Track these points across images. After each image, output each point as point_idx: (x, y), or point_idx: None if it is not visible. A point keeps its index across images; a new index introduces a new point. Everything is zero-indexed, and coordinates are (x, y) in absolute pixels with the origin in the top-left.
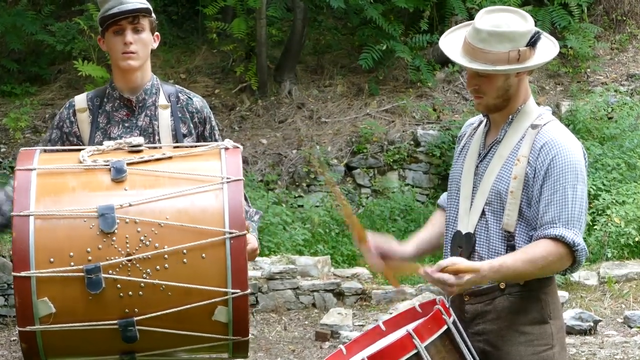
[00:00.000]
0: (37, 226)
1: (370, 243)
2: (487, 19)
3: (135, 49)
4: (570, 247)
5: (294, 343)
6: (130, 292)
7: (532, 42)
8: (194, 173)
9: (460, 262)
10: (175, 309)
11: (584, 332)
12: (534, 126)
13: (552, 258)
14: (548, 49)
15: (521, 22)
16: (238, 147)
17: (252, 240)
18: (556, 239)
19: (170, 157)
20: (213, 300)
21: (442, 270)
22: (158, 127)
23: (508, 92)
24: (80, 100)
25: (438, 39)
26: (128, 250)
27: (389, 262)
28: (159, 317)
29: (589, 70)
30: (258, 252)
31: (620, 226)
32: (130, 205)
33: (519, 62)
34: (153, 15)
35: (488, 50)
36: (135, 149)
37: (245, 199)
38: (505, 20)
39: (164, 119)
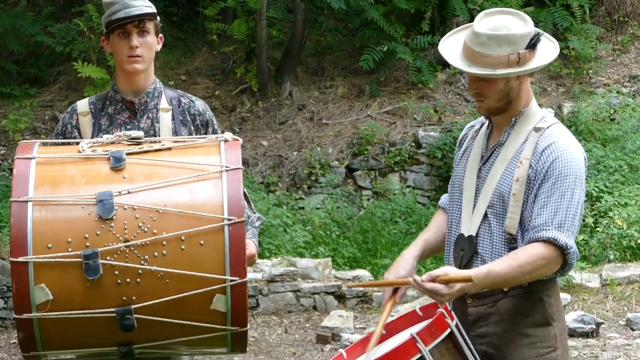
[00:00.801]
0: (35, 212)
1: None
2: (486, 22)
3: (141, 53)
4: (561, 250)
5: (294, 346)
6: (128, 279)
7: (532, 45)
8: (193, 163)
9: (452, 271)
10: (173, 297)
11: (586, 335)
12: (536, 129)
13: (540, 262)
14: (548, 50)
15: (521, 24)
16: (237, 140)
17: (250, 246)
18: (548, 241)
19: (169, 149)
20: (211, 287)
21: (434, 280)
22: (159, 129)
23: (509, 95)
24: (83, 104)
25: (439, 40)
26: (126, 236)
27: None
28: (157, 306)
29: (591, 71)
30: (256, 258)
31: (623, 228)
32: (128, 192)
33: (519, 65)
34: (158, 18)
35: (487, 54)
36: (134, 142)
37: (248, 202)
38: (504, 23)
39: (165, 121)
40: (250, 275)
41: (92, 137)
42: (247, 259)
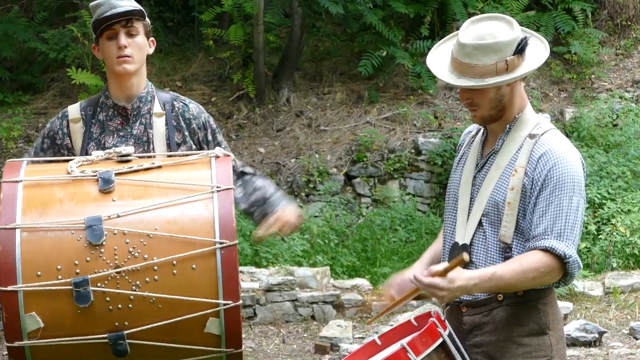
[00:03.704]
0: (24, 239)
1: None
2: (471, 31)
3: (130, 53)
4: (561, 260)
5: (292, 356)
6: (119, 305)
7: (520, 50)
8: (184, 182)
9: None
10: (166, 322)
11: (588, 344)
12: (531, 136)
13: (543, 270)
14: (538, 53)
15: (507, 30)
16: (229, 156)
17: (290, 211)
18: (547, 250)
19: (159, 167)
20: (204, 312)
21: (434, 275)
22: (153, 135)
23: (502, 102)
24: (74, 110)
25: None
26: (117, 262)
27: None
28: (150, 330)
29: (593, 76)
30: (302, 217)
31: (626, 235)
32: (118, 216)
33: (507, 72)
34: (147, 19)
35: (474, 64)
36: (124, 159)
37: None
38: (489, 31)
39: (159, 127)
40: (248, 284)
41: (82, 145)
42: (293, 224)
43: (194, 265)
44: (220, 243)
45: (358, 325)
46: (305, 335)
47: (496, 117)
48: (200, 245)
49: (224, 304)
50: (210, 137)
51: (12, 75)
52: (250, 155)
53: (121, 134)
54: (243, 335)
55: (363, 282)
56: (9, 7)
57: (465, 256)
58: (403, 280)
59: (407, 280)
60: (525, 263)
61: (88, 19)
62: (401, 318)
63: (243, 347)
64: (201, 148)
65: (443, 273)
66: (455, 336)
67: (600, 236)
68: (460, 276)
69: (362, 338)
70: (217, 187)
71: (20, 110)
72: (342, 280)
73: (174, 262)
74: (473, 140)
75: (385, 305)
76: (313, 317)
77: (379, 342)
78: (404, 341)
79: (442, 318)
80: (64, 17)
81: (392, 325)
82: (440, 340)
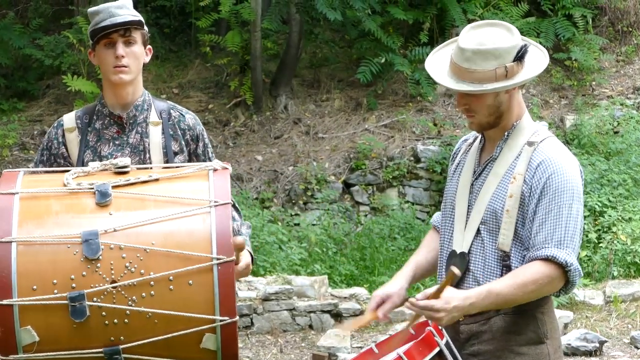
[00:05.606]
0: (20, 252)
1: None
2: (471, 37)
3: (127, 63)
4: (562, 268)
5: None
6: (115, 320)
7: (519, 57)
8: (181, 196)
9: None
10: (162, 337)
11: (589, 353)
12: (530, 143)
13: (542, 281)
14: (537, 60)
15: (507, 36)
16: (227, 168)
17: (244, 256)
18: (548, 259)
19: (156, 179)
20: (201, 327)
21: (428, 297)
22: (149, 144)
23: (500, 109)
24: (69, 119)
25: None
26: (113, 277)
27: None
28: (146, 345)
29: (594, 83)
30: (251, 268)
31: (627, 244)
32: (115, 230)
33: (507, 79)
34: (145, 27)
35: (474, 69)
36: (121, 170)
37: (236, 209)
38: (489, 37)
39: (155, 136)
40: (245, 293)
41: (79, 154)
42: (242, 271)
43: (190, 281)
44: (218, 259)
45: (356, 334)
46: (302, 344)
47: (493, 124)
48: (197, 261)
49: (221, 320)
50: (200, 151)
51: (7, 82)
52: (248, 163)
53: (117, 142)
54: (240, 345)
55: (361, 291)
56: (4, 13)
57: (456, 271)
58: (386, 295)
59: (389, 296)
60: (523, 276)
61: (84, 26)
62: (400, 327)
63: (240, 358)
64: (190, 160)
65: (436, 294)
66: (452, 345)
67: (601, 244)
68: (456, 296)
69: (360, 347)
70: (215, 201)
71: (15, 118)
72: (340, 289)
73: (171, 277)
74: (470, 148)
75: (362, 319)
76: (311, 327)
77: (376, 350)
78: (401, 350)
79: (440, 327)
80: (59, 23)
81: (390, 334)
82: (437, 349)
